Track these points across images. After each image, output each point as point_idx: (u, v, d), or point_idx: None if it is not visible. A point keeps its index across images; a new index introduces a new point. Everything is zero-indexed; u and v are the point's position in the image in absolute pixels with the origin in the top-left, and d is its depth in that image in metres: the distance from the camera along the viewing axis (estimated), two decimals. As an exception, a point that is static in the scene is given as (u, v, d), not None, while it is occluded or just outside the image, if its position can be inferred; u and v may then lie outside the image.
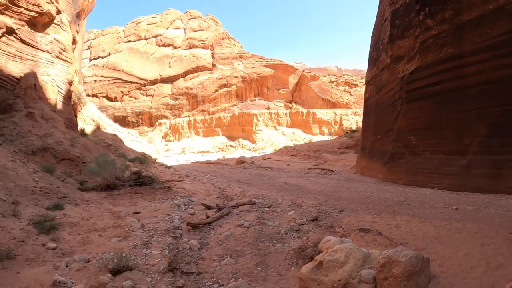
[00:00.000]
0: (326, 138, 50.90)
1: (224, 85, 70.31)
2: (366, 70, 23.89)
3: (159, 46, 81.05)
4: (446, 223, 7.24)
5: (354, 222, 7.98)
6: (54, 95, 22.71)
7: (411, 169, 14.54)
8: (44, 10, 22.30)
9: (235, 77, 70.04)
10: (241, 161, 30.60)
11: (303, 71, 73.82)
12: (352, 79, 70.87)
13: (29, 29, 21.94)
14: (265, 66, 71.38)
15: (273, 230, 8.25)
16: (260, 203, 11.34)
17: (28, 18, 21.71)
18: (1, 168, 10.73)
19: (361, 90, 62.54)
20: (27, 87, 20.80)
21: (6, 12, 20.42)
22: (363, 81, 56.13)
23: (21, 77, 20.97)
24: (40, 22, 22.75)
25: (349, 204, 10.75)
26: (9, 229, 6.74)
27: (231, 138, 60.78)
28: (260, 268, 6.20)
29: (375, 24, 21.10)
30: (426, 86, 14.17)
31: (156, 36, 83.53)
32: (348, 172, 21.13)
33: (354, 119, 56.20)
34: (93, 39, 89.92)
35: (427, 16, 14.06)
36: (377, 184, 15.41)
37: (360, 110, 48.54)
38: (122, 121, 66.99)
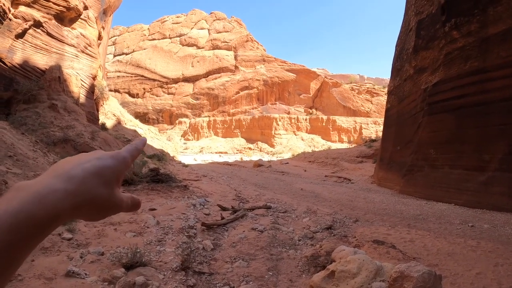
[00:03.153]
0: (345, 146, 50.75)
1: (246, 88, 70.47)
2: (388, 79, 23.70)
3: (183, 45, 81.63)
4: (461, 240, 7.14)
5: (368, 233, 7.92)
6: (77, 88, 23.04)
7: (429, 182, 14.34)
8: (72, 5, 22.69)
9: (257, 80, 70.15)
10: (258, 164, 30.61)
11: (325, 77, 73.58)
12: (374, 88, 70.25)
13: (56, 23, 22.33)
14: (287, 70, 71.38)
15: (287, 236, 8.21)
16: (275, 207, 11.29)
17: (55, 12, 22.11)
18: (22, 157, 10.93)
19: (382, 99, 62.14)
20: (51, 79, 21.13)
21: (34, 6, 20.84)
22: (385, 90, 55.83)
23: (46, 69, 21.33)
24: (67, 16, 23.14)
25: (364, 215, 10.68)
26: None
27: (249, 140, 60.89)
28: (271, 273, 6.16)
29: (399, 33, 20.91)
30: (448, 99, 13.96)
31: (180, 36, 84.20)
32: (365, 182, 20.97)
33: (374, 128, 55.86)
34: (118, 36, 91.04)
35: (452, 28, 13.88)
36: (393, 196, 15.25)
37: (381, 120, 48.22)
38: (142, 117, 67.66)
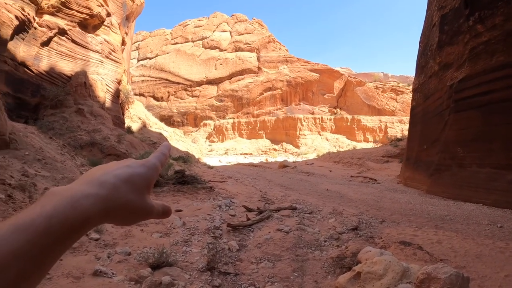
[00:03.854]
0: (370, 145, 50.27)
1: (269, 89, 70.48)
2: (413, 77, 23.36)
3: (206, 48, 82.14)
4: (490, 241, 6.99)
5: (394, 234, 7.83)
6: (103, 93, 23.47)
7: (456, 182, 14.04)
8: (95, 13, 23.18)
9: (280, 80, 70.10)
10: (283, 165, 30.56)
11: (348, 76, 73.09)
12: (398, 86, 69.40)
13: (80, 30, 22.84)
14: (311, 70, 71.11)
15: (313, 237, 8.17)
16: (301, 208, 11.24)
17: (79, 20, 22.63)
18: (51, 160, 11.16)
19: (407, 97, 61.37)
20: (77, 85, 21.58)
21: (58, 14, 21.36)
22: (410, 88, 55.06)
23: (72, 75, 21.82)
24: (90, 24, 23.64)
25: (390, 215, 10.56)
26: None
27: (274, 141, 60.88)
28: (297, 274, 6.12)
29: (423, 29, 20.57)
30: (475, 96, 13.64)
31: (202, 39, 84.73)
32: (391, 182, 20.73)
33: (399, 127, 55.17)
34: (141, 41, 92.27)
35: (476, 21, 13.56)
36: (420, 196, 14.99)
37: (406, 118, 47.64)
38: (167, 120, 68.33)
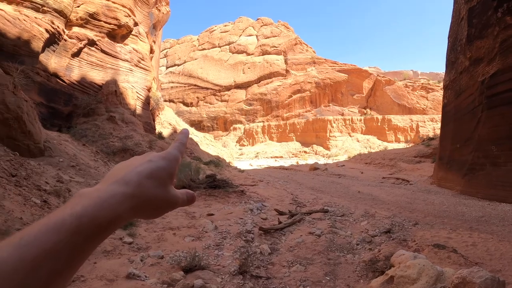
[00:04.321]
0: (401, 145, 49.63)
1: (298, 91, 70.32)
2: (443, 73, 22.88)
3: (233, 53, 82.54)
4: (527, 243, 6.84)
5: (428, 237, 7.70)
6: (133, 100, 23.90)
7: (491, 182, 13.66)
8: (122, 23, 23.72)
9: (308, 82, 69.86)
10: (314, 168, 30.46)
11: (377, 75, 72.28)
12: (428, 83, 67.99)
13: (109, 40, 23.41)
14: (339, 71, 70.62)
15: (345, 240, 8.11)
16: (332, 211, 11.17)
17: (107, 31, 23.22)
18: (84, 166, 11.44)
19: (438, 94, 60.21)
20: (108, 93, 22.08)
21: (87, 26, 21.99)
22: (440, 85, 54.06)
23: (102, 84, 22.39)
24: (119, 34, 24.18)
25: (424, 217, 10.38)
26: None
27: (304, 144, 60.71)
28: (329, 278, 6.09)
29: (451, 24, 20.11)
30: (508, 91, 13.22)
31: (229, 44, 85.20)
32: (424, 182, 20.37)
33: (431, 126, 54.21)
34: (169, 48, 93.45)
35: (505, 13, 13.20)
36: (454, 197, 14.68)
37: (438, 117, 46.85)
38: (197, 125, 69.00)
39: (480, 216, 10.29)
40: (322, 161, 44.23)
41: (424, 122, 55.73)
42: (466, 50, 16.75)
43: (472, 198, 14.09)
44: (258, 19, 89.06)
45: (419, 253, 6.14)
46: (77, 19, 21.59)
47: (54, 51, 20.04)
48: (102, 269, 5.43)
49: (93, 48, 22.39)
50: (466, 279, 4.02)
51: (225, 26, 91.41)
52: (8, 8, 18.33)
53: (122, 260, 5.91)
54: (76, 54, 21.37)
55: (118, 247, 6.54)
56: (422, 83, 68.44)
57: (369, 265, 6.43)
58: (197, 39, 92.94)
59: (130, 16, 24.64)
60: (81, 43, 21.48)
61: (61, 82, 20.49)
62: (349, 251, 7.46)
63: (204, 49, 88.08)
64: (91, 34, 22.19)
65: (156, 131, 29.10)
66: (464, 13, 16.95)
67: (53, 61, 19.95)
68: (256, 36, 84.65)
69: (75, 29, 21.57)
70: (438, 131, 34.89)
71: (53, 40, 19.77)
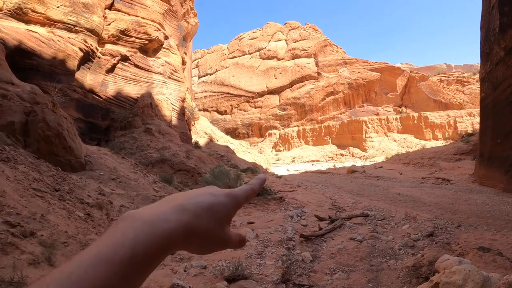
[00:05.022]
0: (440, 143, 48.57)
1: (331, 93, 70.00)
2: (478, 64, 22.30)
3: (263, 59, 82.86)
4: None
5: (472, 239, 7.50)
6: (169, 112, 24.34)
7: (535, 177, 13.28)
8: (153, 37, 24.29)
9: (341, 84, 69.46)
10: (352, 170, 30.21)
11: (410, 72, 71.18)
12: (463, 76, 66.22)
13: (141, 55, 24.00)
14: (371, 70, 69.96)
15: (386, 245, 7.98)
16: (372, 215, 11.03)
17: (139, 46, 23.84)
18: (124, 178, 11.67)
19: (474, 87, 58.77)
20: (144, 106, 22.55)
21: (119, 42, 22.63)
22: (476, 77, 52.79)
23: (137, 97, 22.91)
24: (150, 48, 24.75)
25: (467, 219, 10.13)
26: None
27: (340, 146, 60.36)
28: (371, 285, 6.00)
29: (482, 13, 19.53)
30: (549, 81, 12.84)
31: (259, 50, 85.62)
32: (465, 181, 19.88)
33: (469, 120, 52.85)
34: (200, 58, 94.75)
35: (538, -2, 12.83)
36: (497, 195, 14.24)
37: (475, 111, 45.78)
38: (233, 133, 69.43)
39: (526, 215, 10.00)
40: (359, 163, 43.88)
41: (462, 117, 54.40)
42: (500, 40, 16.28)
43: (517, 195, 13.68)
44: (286, 24, 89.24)
45: (463, 257, 6.00)
46: (109, 37, 22.23)
47: (89, 68, 20.67)
48: (147, 280, 5.40)
49: (126, 63, 22.96)
50: (514, 284, 3.93)
51: (254, 33, 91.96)
52: (42, 31, 19.05)
53: (166, 271, 5.99)
54: (111, 70, 21.97)
55: (161, 257, 6.64)
56: (457, 77, 66.78)
57: (413, 271, 6.31)
58: (227, 47, 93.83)
59: (160, 30, 25.17)
60: (114, 59, 22.07)
61: (97, 97, 21.09)
62: (391, 257, 7.34)
63: (234, 57, 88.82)
64: (123, 50, 22.78)
65: (193, 140, 29.46)
66: (495, 1, 16.51)
67: (88, 78, 20.57)
68: (285, 40, 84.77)
69: (108, 46, 22.20)
70: (477, 126, 34.03)
71: (87, 58, 20.41)
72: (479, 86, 21.26)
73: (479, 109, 21.47)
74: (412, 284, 5.89)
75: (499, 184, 15.68)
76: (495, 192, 15.21)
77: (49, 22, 19.44)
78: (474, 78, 60.22)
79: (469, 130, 46.80)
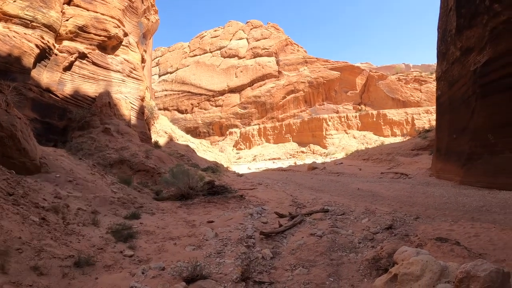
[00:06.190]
0: (398, 139, 49.68)
1: (292, 91, 70.40)
2: (435, 65, 22.90)
3: (224, 57, 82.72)
4: (530, 230, 6.80)
5: (430, 231, 7.66)
6: (127, 111, 23.87)
7: (490, 170, 13.67)
8: (112, 34, 23.73)
9: (301, 82, 69.95)
10: (312, 167, 30.44)
11: (370, 71, 72.46)
12: (421, 75, 68.00)
13: (99, 52, 23.41)
14: (331, 69, 70.73)
15: (346, 239, 8.07)
16: (332, 210, 11.12)
17: (98, 43, 23.24)
18: (82, 181, 11.39)
19: (431, 86, 60.32)
20: (102, 105, 22.04)
21: (77, 39, 22.00)
22: (433, 76, 54.13)
23: (96, 96, 22.35)
24: (109, 45, 24.19)
25: (425, 211, 10.36)
26: (89, 237, 7.24)
27: (301, 144, 60.83)
28: (332, 279, 6.05)
29: (439, 15, 20.18)
30: (501, 78, 13.23)
31: (220, 48, 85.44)
32: (423, 175, 20.37)
33: (426, 118, 54.34)
34: (161, 56, 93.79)
35: (493, 1, 13.25)
36: (454, 187, 14.70)
37: (433, 108, 46.93)
38: (193, 132, 69.06)
39: (481, 206, 10.29)
40: (320, 160, 44.26)
41: (419, 114, 55.84)
42: (456, 40, 16.82)
43: (472, 187, 14.10)
44: (247, 22, 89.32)
45: (421, 248, 6.10)
46: (66, 33, 21.56)
47: (45, 66, 20.00)
48: (104, 285, 5.41)
49: (84, 61, 22.35)
50: (470, 273, 3.97)
51: (215, 31, 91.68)
52: (-3, 26, 18.35)
53: (124, 274, 5.89)
54: (68, 68, 21.34)
55: (119, 260, 6.52)
56: (415, 76, 68.47)
57: (372, 263, 6.38)
58: (188, 45, 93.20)
59: (119, 27, 24.64)
60: (72, 57, 21.44)
61: (54, 96, 20.43)
62: (351, 250, 7.42)
63: (195, 55, 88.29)
64: (81, 47, 22.16)
65: (152, 140, 29.05)
66: (452, 3, 17.03)
67: (45, 76, 19.91)
68: (247, 39, 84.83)
69: (65, 43, 21.53)
70: (433, 123, 34.92)
71: (44, 55, 19.74)
72: (436, 85, 21.84)
73: (435, 107, 22.04)
74: (372, 276, 5.94)
75: (455, 177, 16.16)
76: (452, 184, 15.66)
77: (5, 17, 18.72)
78: (431, 77, 61.79)
79: (426, 126, 48.06)
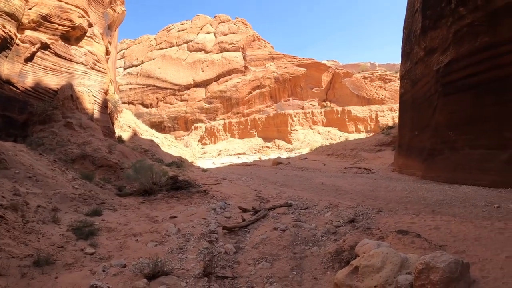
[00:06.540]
0: (362, 135, 50.42)
1: (258, 87, 70.45)
2: (399, 64, 23.38)
3: (191, 51, 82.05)
4: (488, 223, 6.93)
5: (392, 223, 7.77)
6: (90, 104, 23.27)
7: (450, 165, 14.05)
8: (76, 24, 23.00)
9: (268, 78, 70.09)
10: (277, 162, 30.58)
11: (336, 68, 73.17)
12: (386, 74, 69.41)
13: (63, 43, 22.66)
14: (297, 65, 71.16)
15: (309, 233, 8.12)
16: (296, 205, 11.19)
17: (61, 33, 22.46)
18: (42, 177, 11.03)
19: (396, 85, 61.48)
20: (64, 98, 21.37)
21: (40, 29, 21.19)
22: (398, 75, 55.25)
23: (58, 89, 21.62)
24: (73, 36, 23.45)
25: (387, 204, 10.52)
26: (49, 235, 7.00)
27: (266, 139, 60.97)
28: (295, 272, 6.09)
29: (406, 16, 20.62)
30: (463, 78, 13.65)
31: (187, 42, 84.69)
32: (385, 170, 20.74)
33: (390, 115, 55.38)
34: (126, 49, 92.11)
35: (458, 4, 13.60)
36: (415, 182, 15.03)
37: (396, 106, 47.79)
38: (158, 126, 68.27)
39: (442, 199, 10.51)
40: (284, 155, 44.55)
41: (383, 111, 56.87)
42: (421, 40, 17.18)
43: (433, 182, 14.46)
44: (215, 17, 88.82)
45: (383, 241, 6.18)
46: (29, 22, 20.77)
47: (6, 56, 19.23)
48: (64, 284, 5.28)
49: (46, 52, 21.60)
50: (429, 264, 4.02)
51: (183, 24, 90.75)
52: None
53: (84, 272, 5.75)
54: (30, 59, 20.57)
55: (79, 258, 6.36)
56: (380, 74, 69.78)
57: (335, 256, 6.43)
58: (155, 38, 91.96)
59: (84, 17, 23.95)
60: (34, 47, 20.68)
61: (14, 89, 19.66)
62: (314, 244, 7.47)
63: (161, 48, 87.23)
64: (44, 37, 21.40)
65: (116, 134, 28.48)
66: (419, 5, 17.36)
67: (5, 67, 19.16)
68: (214, 33, 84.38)
69: (28, 33, 20.73)
70: (397, 120, 35.55)
71: (4, 45, 18.97)
72: (399, 83, 22.30)
73: (398, 104, 22.47)
74: (334, 269, 5.98)
75: (417, 172, 16.54)
76: (413, 179, 16.02)
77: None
78: (396, 76, 62.96)
79: (390, 123, 48.97)
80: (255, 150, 57.65)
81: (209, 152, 59.76)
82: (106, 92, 26.61)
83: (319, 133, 57.92)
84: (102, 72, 25.93)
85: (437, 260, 4.03)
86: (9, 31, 19.08)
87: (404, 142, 19.48)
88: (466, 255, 5.32)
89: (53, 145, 18.00)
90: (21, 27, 20.54)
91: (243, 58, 76.13)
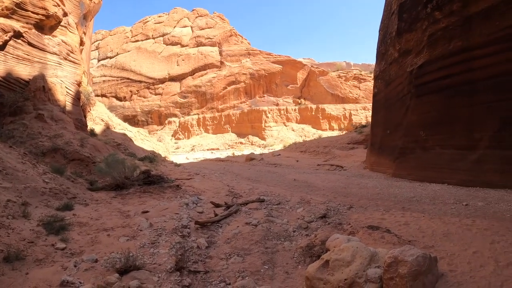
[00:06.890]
0: (335, 133, 50.92)
1: (233, 82, 70.34)
2: (374, 65, 23.69)
3: (167, 44, 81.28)
4: (456, 219, 7.10)
5: (362, 219, 7.89)
6: (63, 96, 22.83)
7: (421, 164, 14.36)
8: (51, 13, 22.44)
9: (243, 74, 70.01)
10: (250, 158, 30.64)
11: (311, 66, 73.57)
12: (361, 74, 70.31)
13: (36, 32, 22.10)
14: (273, 62, 71.27)
15: (281, 228, 8.22)
16: (268, 200, 11.28)
17: (35, 21, 21.87)
18: (11, 170, 10.79)
19: (370, 84, 62.17)
20: (36, 89, 20.90)
21: (13, 16, 20.59)
22: (372, 75, 55.98)
23: (29, 79, 21.10)
24: (47, 25, 22.91)
25: (358, 201, 10.66)
26: (19, 230, 6.84)
27: (240, 135, 61.00)
28: (267, 267, 6.18)
29: (382, 17, 20.90)
30: (435, 80, 13.96)
31: (163, 35, 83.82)
32: (357, 168, 21.00)
33: (363, 114, 56.13)
34: (101, 40, 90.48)
35: (434, 8, 13.88)
36: (386, 180, 15.29)
37: (370, 105, 48.38)
38: (131, 120, 67.43)
39: (412, 197, 10.70)
40: (258, 151, 44.60)
41: (357, 110, 57.64)
42: (396, 42, 17.45)
43: (404, 180, 14.73)
44: (193, 10, 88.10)
45: (354, 236, 6.30)
46: (2, 9, 20.14)
47: (-23, 45, 18.71)
48: (35, 280, 5.20)
49: (19, 41, 21.01)
50: (398, 258, 4.10)
51: (160, 17, 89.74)
52: None
53: (55, 268, 5.68)
54: (1, 48, 19.99)
55: (50, 254, 6.25)
56: (355, 74, 70.60)
57: (306, 250, 6.52)
58: (130, 30, 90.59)
59: (59, 6, 23.38)
60: (6, 36, 20.11)
61: (-16, 79, 19.18)
62: (286, 239, 7.58)
63: (137, 40, 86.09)
64: (17, 25, 20.81)
65: (88, 128, 28.01)
66: (395, 7, 17.59)
67: (-24, 56, 18.64)
68: (191, 27, 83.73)
69: (0, 20, 20.16)
70: (370, 119, 36.07)
71: (-24, 32, 18.46)
72: (373, 83, 22.62)
73: (372, 104, 22.78)
74: (306, 263, 6.08)
75: (388, 170, 16.83)
76: (385, 177, 16.30)
77: None
78: (370, 76, 63.74)
79: (363, 122, 49.70)
80: (228, 146, 57.62)
81: (182, 147, 59.46)
82: (79, 84, 26.15)
83: (293, 130, 58.26)
84: (76, 63, 25.46)
85: (406, 254, 4.12)
86: (-18, 18, 18.58)
87: (376, 141, 19.76)
88: (435, 250, 5.45)
89: (24, 137, 17.62)
90: (-7, 15, 19.98)
91: (219, 53, 75.82)
